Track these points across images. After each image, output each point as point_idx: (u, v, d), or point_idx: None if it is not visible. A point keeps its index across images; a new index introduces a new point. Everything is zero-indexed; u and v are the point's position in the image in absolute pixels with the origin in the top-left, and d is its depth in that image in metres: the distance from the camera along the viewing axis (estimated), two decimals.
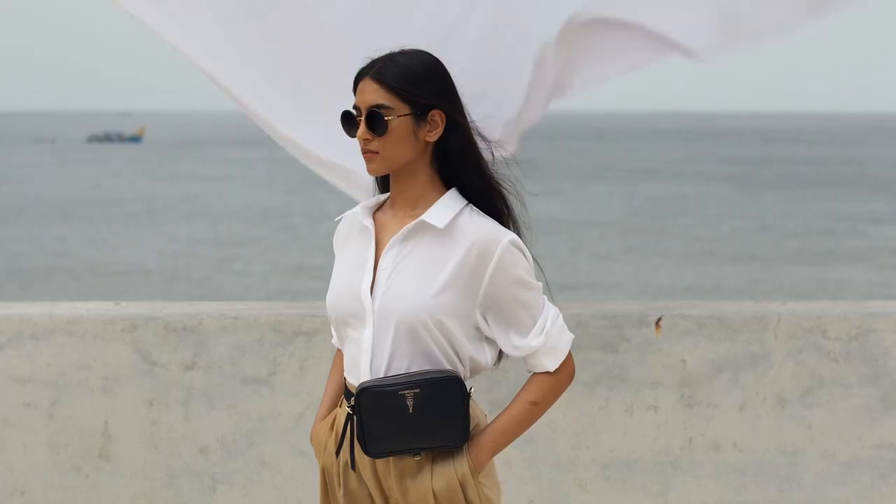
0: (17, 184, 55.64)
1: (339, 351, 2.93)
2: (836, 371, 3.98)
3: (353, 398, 2.73)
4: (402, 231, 2.74)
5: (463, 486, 2.73)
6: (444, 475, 2.73)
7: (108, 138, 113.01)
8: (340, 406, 2.83)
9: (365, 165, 2.77)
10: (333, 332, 2.92)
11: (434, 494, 2.73)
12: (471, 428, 2.75)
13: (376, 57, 2.75)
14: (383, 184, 2.87)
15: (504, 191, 2.80)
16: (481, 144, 2.80)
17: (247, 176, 61.97)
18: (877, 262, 29.79)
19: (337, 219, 2.93)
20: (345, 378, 2.83)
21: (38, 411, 3.97)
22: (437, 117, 2.73)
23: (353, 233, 2.86)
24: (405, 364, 2.71)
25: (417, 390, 2.68)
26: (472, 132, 2.77)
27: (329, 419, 2.87)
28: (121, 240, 34.38)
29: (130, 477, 3.98)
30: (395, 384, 2.69)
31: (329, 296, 2.83)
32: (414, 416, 2.68)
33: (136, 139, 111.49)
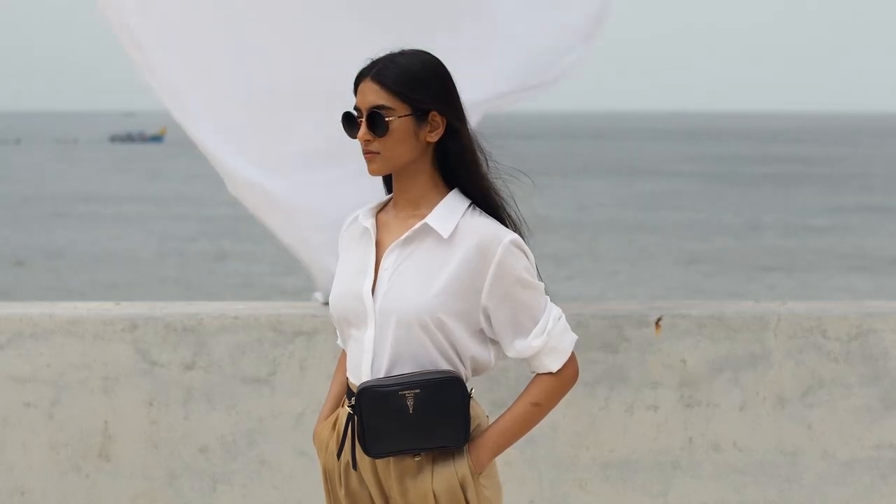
0: (61, 181, 55.81)
1: (345, 351, 2.93)
2: (836, 371, 3.98)
3: (353, 398, 2.73)
4: (404, 235, 2.74)
5: (463, 487, 2.73)
6: (445, 476, 2.73)
7: (129, 138, 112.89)
8: (343, 406, 2.83)
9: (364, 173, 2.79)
10: (338, 333, 2.93)
11: (434, 495, 2.73)
12: (472, 428, 2.75)
13: (377, 58, 2.75)
14: (388, 184, 2.87)
15: (502, 195, 2.79)
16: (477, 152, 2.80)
17: None
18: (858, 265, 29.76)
19: (349, 220, 2.92)
20: (347, 378, 2.83)
21: (38, 411, 3.97)
22: (438, 118, 2.72)
23: (355, 234, 2.86)
24: (406, 364, 2.71)
25: (418, 390, 2.68)
26: (472, 134, 2.77)
27: (331, 419, 2.87)
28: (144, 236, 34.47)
29: (130, 477, 3.98)
30: (395, 384, 2.69)
31: (332, 296, 2.83)
32: (414, 416, 2.68)
33: (157, 139, 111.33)
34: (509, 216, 2.78)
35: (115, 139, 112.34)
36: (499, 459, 2.83)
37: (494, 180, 2.79)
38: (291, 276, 26.42)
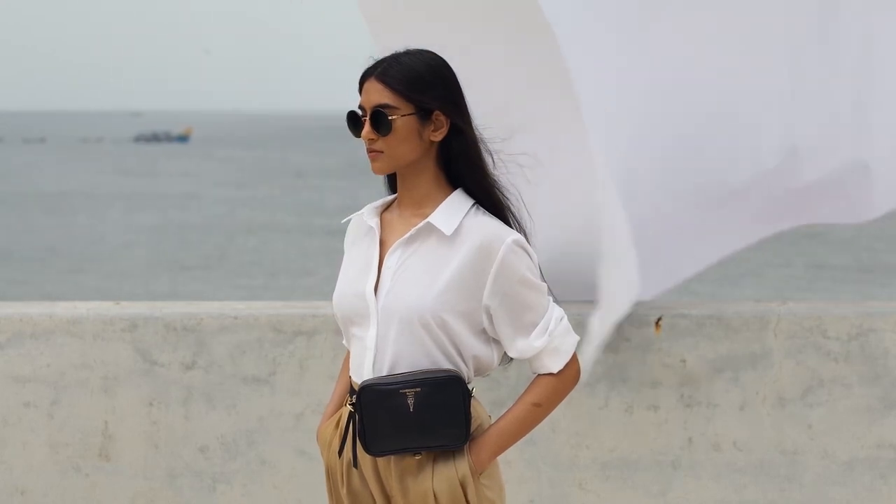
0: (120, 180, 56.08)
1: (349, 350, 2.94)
2: (836, 371, 3.98)
3: (354, 396, 2.74)
4: (408, 233, 2.74)
5: (463, 487, 2.73)
6: (445, 475, 2.73)
7: (155, 138, 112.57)
8: (345, 404, 2.84)
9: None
10: (342, 332, 2.93)
11: (434, 494, 2.73)
12: (474, 428, 2.75)
13: (381, 57, 2.75)
14: (392, 184, 2.87)
15: (506, 194, 2.79)
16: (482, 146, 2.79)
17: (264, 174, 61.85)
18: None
19: (345, 220, 2.93)
20: (350, 377, 2.83)
21: (38, 411, 3.97)
22: (442, 117, 2.72)
23: (360, 233, 2.86)
24: (408, 363, 2.71)
25: (418, 389, 2.68)
26: (476, 133, 2.77)
27: (335, 418, 2.87)
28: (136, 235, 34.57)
29: (130, 477, 3.98)
30: (395, 382, 2.69)
31: (335, 295, 2.83)
32: (414, 414, 2.68)
33: (183, 139, 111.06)
34: (514, 216, 2.78)
35: (139, 139, 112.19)
36: (498, 459, 2.83)
37: (499, 179, 2.79)
38: (287, 277, 26.44)
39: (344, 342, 2.93)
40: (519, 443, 2.89)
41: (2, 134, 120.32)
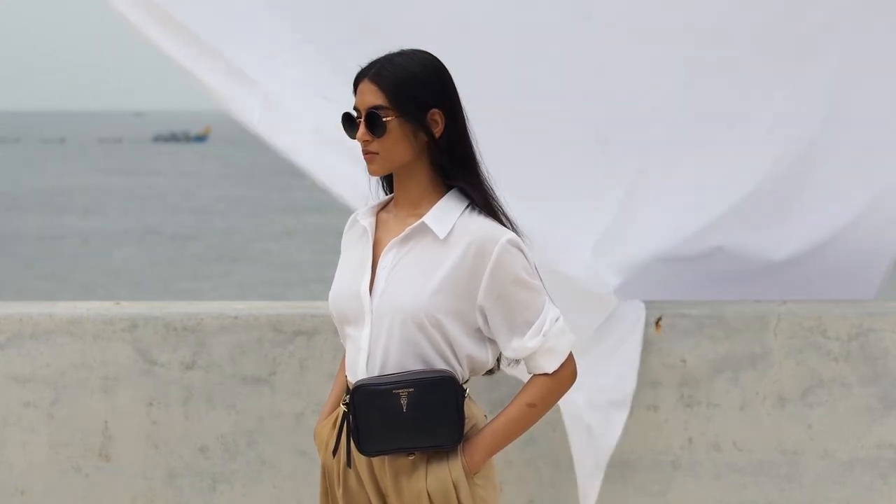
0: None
1: None
2: (836, 371, 3.98)
3: (349, 395, 2.74)
4: (402, 233, 2.74)
5: (456, 487, 2.73)
6: (439, 475, 2.73)
7: (174, 138, 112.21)
8: (341, 404, 2.84)
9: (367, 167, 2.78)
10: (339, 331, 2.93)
11: (428, 494, 2.73)
12: (468, 428, 2.75)
13: (375, 58, 2.75)
14: (389, 184, 2.87)
15: (497, 199, 2.79)
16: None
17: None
18: None
19: (349, 223, 2.93)
20: (346, 376, 2.83)
21: (38, 411, 3.97)
22: (437, 117, 2.72)
23: (356, 233, 2.86)
24: (402, 363, 2.71)
25: (411, 389, 2.68)
26: (470, 134, 2.77)
27: (332, 417, 2.88)
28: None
29: (130, 477, 3.99)
30: (389, 382, 2.69)
31: (331, 294, 2.83)
32: (408, 415, 2.68)
33: (201, 138, 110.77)
34: (506, 216, 2.78)
35: (158, 139, 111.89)
36: (498, 459, 2.82)
37: (488, 181, 2.79)
38: (287, 277, 26.44)
39: (343, 341, 2.93)
40: (519, 443, 2.89)
41: (19, 134, 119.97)
